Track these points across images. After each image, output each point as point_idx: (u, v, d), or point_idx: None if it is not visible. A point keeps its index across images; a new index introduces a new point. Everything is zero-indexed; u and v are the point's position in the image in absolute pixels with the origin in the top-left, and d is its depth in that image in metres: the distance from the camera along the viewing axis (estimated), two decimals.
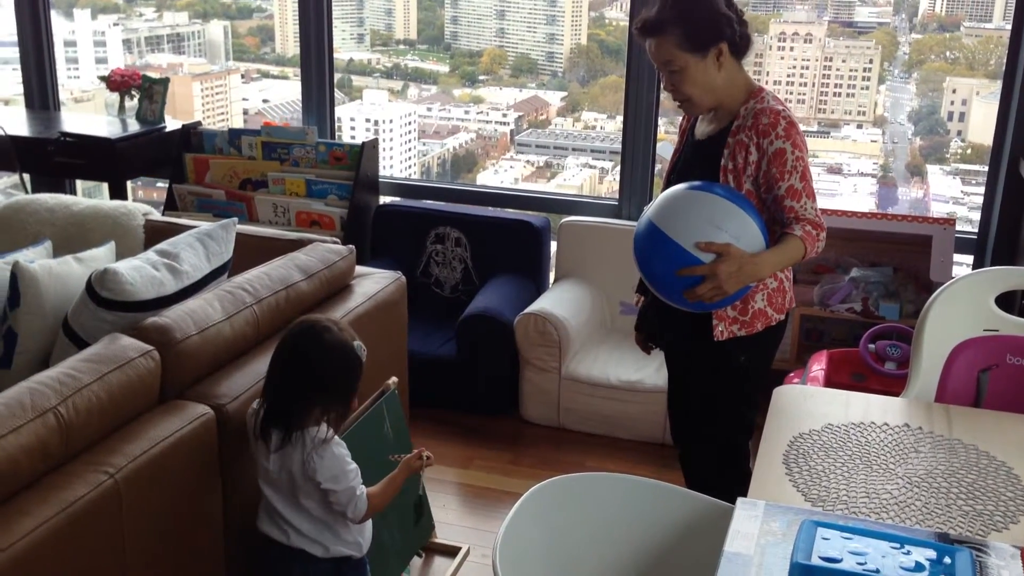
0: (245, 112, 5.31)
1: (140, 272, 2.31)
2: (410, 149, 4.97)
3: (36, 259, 2.56)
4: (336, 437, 2.08)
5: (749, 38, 2.30)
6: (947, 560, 1.45)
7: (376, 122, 4.82)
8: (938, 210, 4.24)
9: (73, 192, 4.77)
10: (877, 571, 1.41)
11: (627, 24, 4.35)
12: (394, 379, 2.69)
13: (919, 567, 1.43)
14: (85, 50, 5.23)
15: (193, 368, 2.21)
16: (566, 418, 3.73)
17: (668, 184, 2.42)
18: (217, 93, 5.29)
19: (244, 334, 2.37)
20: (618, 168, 4.15)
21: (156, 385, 2.11)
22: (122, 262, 2.34)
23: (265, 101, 5.26)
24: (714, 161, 2.28)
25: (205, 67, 5.30)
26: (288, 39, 5.14)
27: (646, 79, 3.94)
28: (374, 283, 2.89)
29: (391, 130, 4.88)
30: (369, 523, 2.21)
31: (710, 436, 2.48)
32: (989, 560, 1.55)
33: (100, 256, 2.65)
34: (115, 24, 5.32)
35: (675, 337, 2.47)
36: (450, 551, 2.91)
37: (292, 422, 2.04)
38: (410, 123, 4.97)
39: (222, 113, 5.20)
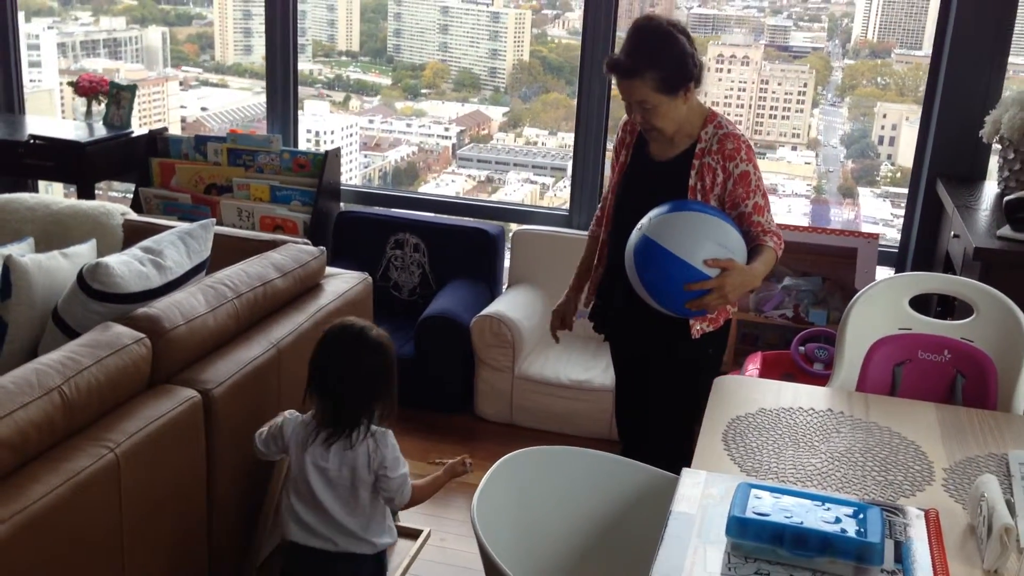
0: (183, 120, 5.28)
1: (128, 266, 2.46)
2: (351, 161, 4.95)
3: (22, 254, 2.69)
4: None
5: (703, 67, 2.52)
6: (860, 516, 1.69)
7: (317, 133, 4.81)
8: (868, 231, 4.47)
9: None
10: (801, 522, 1.65)
11: (569, 42, 4.52)
12: None
13: (837, 520, 1.67)
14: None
15: (180, 355, 2.36)
16: (518, 415, 3.94)
17: (622, 199, 2.62)
18: (154, 100, 5.25)
19: (226, 326, 2.53)
20: (559, 183, 4.31)
21: (147, 370, 2.27)
22: (111, 257, 2.48)
23: (204, 109, 5.24)
24: (680, 180, 2.49)
25: (142, 73, 5.26)
26: (228, 47, 5.10)
27: (596, 95, 4.15)
28: (343, 282, 3.07)
29: (332, 142, 4.86)
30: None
31: (674, 426, 2.66)
32: (897, 519, 1.80)
33: (84, 252, 2.79)
34: (49, 28, 5.27)
35: (651, 341, 2.62)
36: (412, 534, 3.11)
37: (360, 419, 2.19)
38: (351, 135, 4.98)
39: (159, 120, 5.15)
